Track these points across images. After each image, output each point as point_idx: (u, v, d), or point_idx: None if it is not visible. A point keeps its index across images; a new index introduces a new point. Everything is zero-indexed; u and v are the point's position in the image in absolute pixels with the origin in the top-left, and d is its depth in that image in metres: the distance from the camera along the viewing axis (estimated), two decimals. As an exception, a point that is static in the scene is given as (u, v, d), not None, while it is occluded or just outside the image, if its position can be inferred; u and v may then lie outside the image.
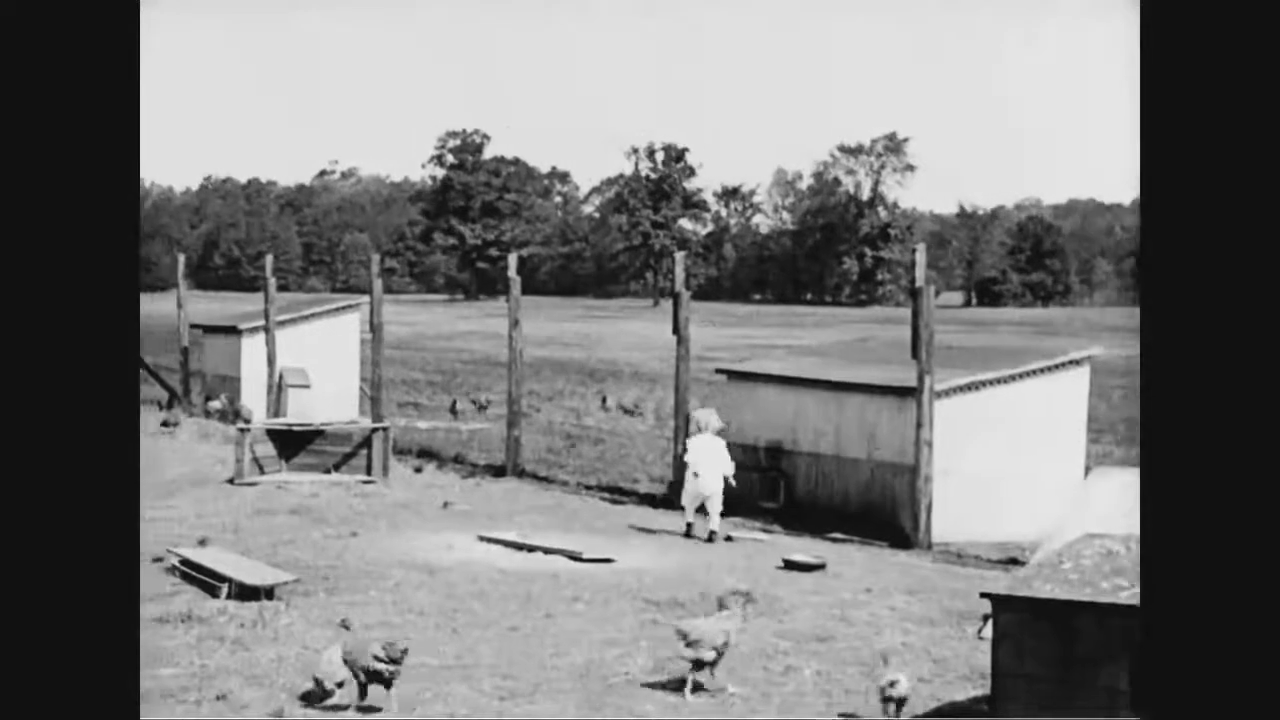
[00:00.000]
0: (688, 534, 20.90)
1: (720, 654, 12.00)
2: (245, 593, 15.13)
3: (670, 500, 22.69)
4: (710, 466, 21.03)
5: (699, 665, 11.93)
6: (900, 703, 11.17)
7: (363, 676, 11.18)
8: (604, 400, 44.00)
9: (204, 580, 15.76)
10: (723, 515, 21.18)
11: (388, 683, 11.20)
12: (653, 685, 12.25)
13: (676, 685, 12.16)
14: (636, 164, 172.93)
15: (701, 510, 21.06)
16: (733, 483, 21.51)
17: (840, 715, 11.58)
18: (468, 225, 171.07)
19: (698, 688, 11.98)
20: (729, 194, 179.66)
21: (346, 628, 11.57)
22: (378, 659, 11.15)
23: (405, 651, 11.33)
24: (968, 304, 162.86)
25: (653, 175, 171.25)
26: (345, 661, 11.25)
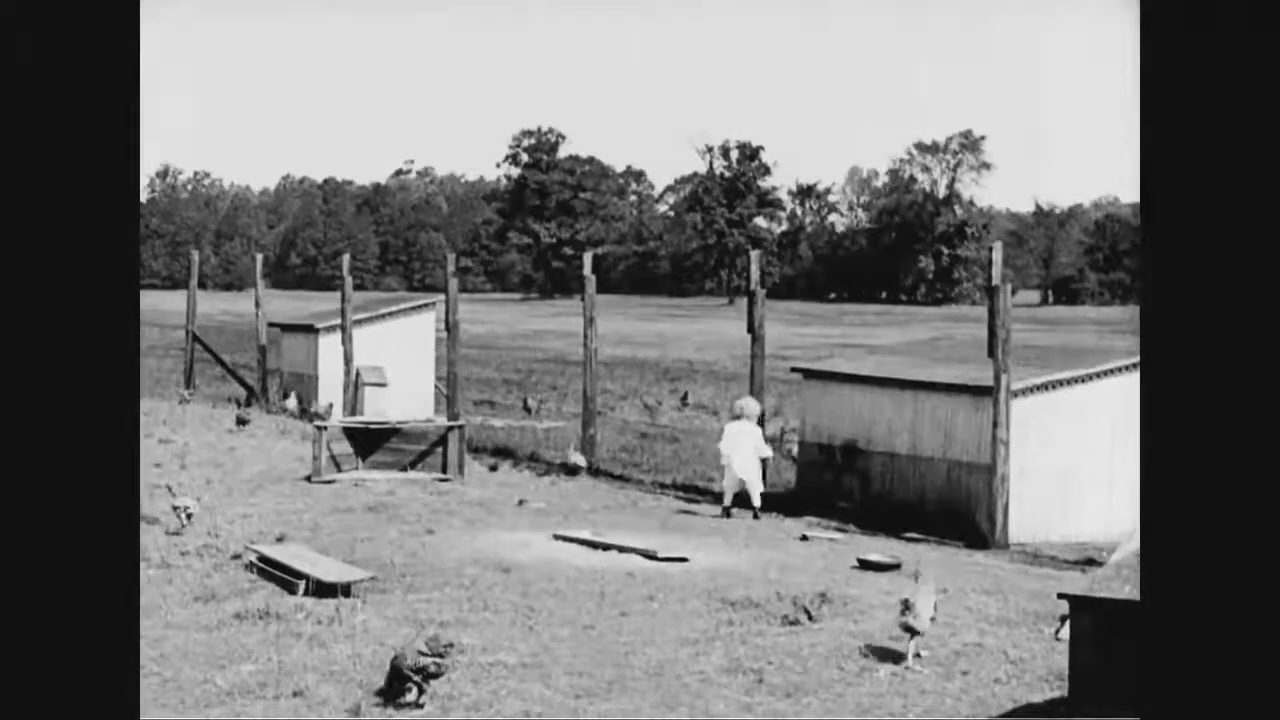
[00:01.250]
0: (726, 515, 22.29)
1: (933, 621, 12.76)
2: (322, 589, 15.23)
3: (745, 499, 22.67)
4: (742, 452, 22.37)
5: (913, 633, 12.55)
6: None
7: (415, 675, 11.26)
8: (684, 397, 43.93)
9: (282, 577, 15.88)
10: (798, 515, 21.16)
11: (435, 677, 11.33)
12: (725, 684, 12.24)
13: (749, 686, 12.16)
14: (711, 162, 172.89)
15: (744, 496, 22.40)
16: (768, 452, 23.18)
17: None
18: (543, 224, 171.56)
19: (917, 655, 12.65)
20: (804, 192, 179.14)
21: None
22: (422, 654, 11.23)
23: (450, 646, 11.42)
24: (1045, 303, 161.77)
25: (727, 174, 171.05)
26: (395, 663, 11.32)
